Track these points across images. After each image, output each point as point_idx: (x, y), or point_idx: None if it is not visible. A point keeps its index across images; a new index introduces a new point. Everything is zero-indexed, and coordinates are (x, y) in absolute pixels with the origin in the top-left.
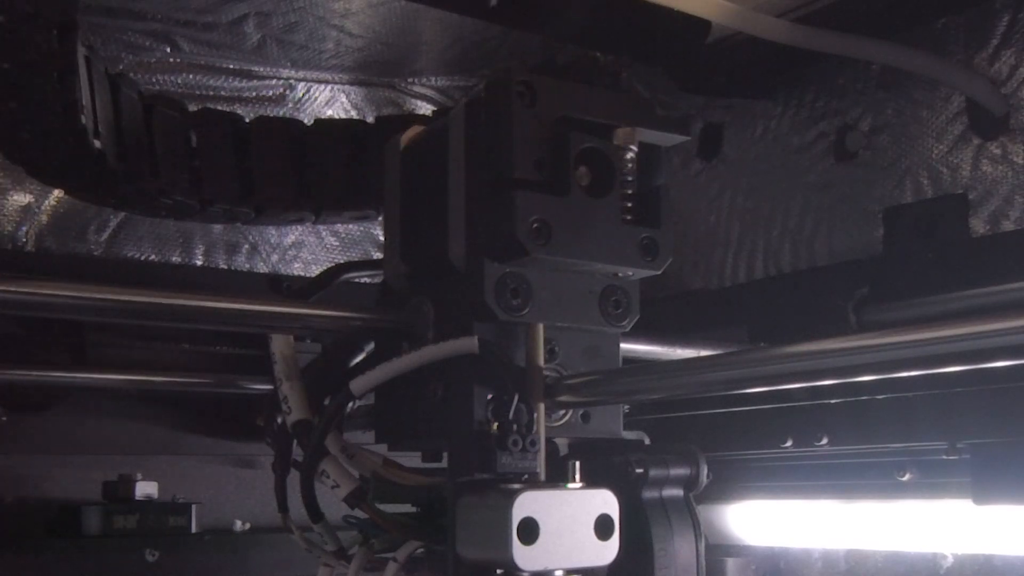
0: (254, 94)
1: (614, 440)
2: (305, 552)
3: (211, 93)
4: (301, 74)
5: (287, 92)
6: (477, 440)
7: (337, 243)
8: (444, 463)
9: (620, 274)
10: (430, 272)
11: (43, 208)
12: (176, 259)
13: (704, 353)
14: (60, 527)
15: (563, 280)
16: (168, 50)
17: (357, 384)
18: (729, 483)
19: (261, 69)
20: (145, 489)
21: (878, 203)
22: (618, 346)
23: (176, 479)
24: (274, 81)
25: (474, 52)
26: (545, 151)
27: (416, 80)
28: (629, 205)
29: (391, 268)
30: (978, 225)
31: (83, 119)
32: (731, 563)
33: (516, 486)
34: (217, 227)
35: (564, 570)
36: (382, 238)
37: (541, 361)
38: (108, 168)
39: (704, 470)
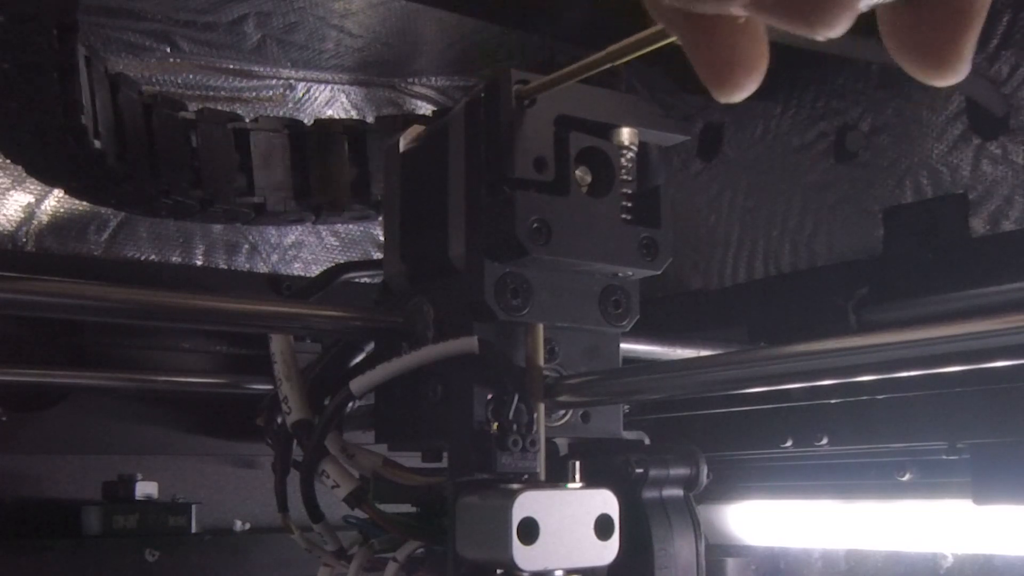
0: (254, 94)
1: (614, 440)
2: (305, 552)
3: (211, 93)
4: (301, 74)
5: (287, 92)
6: (477, 440)
7: (337, 243)
8: (444, 463)
9: (620, 274)
10: (430, 272)
11: (43, 208)
12: (176, 259)
13: (704, 353)
14: (60, 527)
15: (563, 280)
16: (168, 50)
17: (357, 384)
18: (729, 483)
19: (261, 69)
20: (145, 489)
21: (878, 203)
22: (618, 346)
23: (176, 479)
24: (274, 81)
25: (474, 52)
26: (545, 151)
27: (416, 80)
28: (629, 205)
29: (391, 268)
30: (978, 225)
31: (83, 119)
32: (731, 563)
33: (516, 486)
34: (217, 227)
35: (564, 570)
36: (382, 238)
37: (541, 361)
38: (108, 168)
39: (704, 470)
